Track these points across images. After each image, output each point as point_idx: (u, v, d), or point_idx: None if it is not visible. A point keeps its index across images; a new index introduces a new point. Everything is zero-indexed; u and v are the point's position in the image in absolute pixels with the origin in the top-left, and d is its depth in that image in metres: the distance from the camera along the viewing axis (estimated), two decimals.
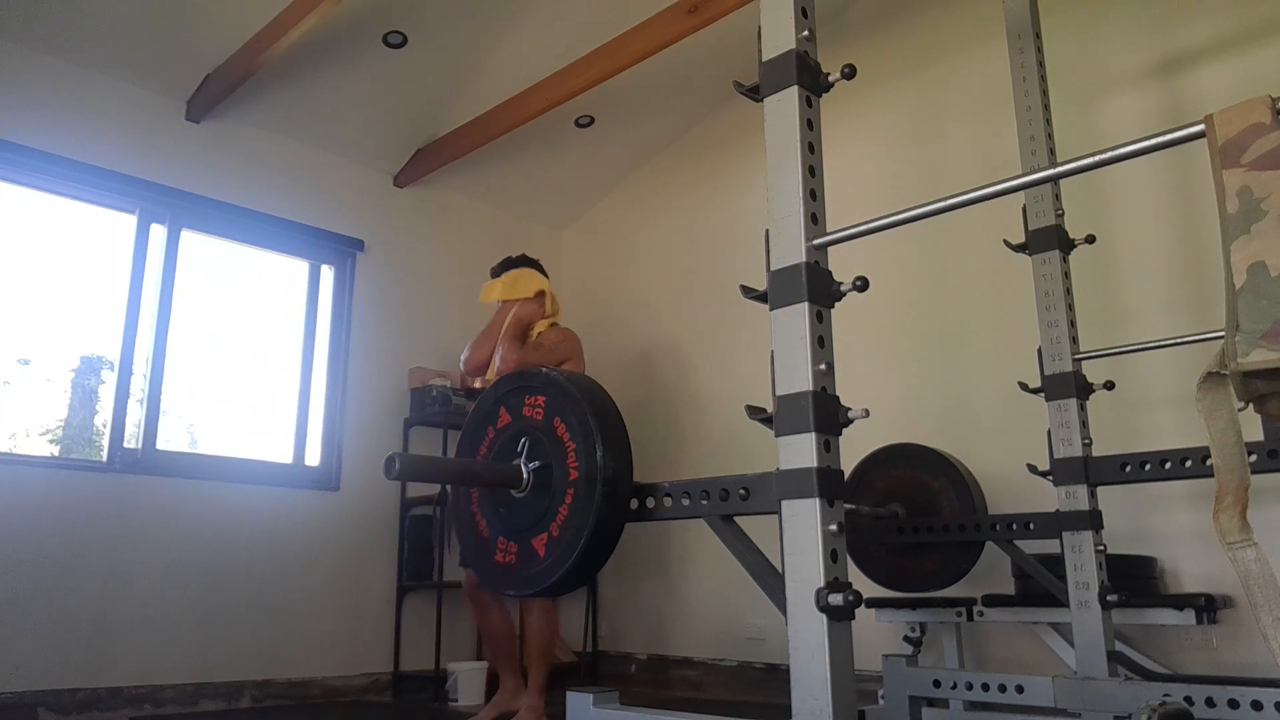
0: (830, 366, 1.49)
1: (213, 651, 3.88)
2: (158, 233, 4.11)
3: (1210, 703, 1.92)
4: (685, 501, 1.62)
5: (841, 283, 1.53)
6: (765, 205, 1.59)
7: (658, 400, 4.92)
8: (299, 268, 4.63)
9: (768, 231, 1.58)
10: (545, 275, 3.91)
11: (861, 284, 1.49)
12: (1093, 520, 2.37)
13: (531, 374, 1.79)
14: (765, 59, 1.63)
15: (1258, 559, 1.10)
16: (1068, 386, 2.46)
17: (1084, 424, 2.45)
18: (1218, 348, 1.13)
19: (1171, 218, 3.35)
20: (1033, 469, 2.53)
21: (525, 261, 3.90)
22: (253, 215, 4.37)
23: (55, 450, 3.87)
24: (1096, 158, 1.34)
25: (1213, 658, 2.99)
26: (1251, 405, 1.15)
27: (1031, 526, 2.66)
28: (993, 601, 3.16)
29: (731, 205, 4.82)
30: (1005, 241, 2.63)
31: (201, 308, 4.25)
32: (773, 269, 1.55)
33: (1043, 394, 2.51)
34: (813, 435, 1.43)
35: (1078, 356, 2.50)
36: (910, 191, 3.36)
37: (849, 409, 1.49)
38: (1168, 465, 2.34)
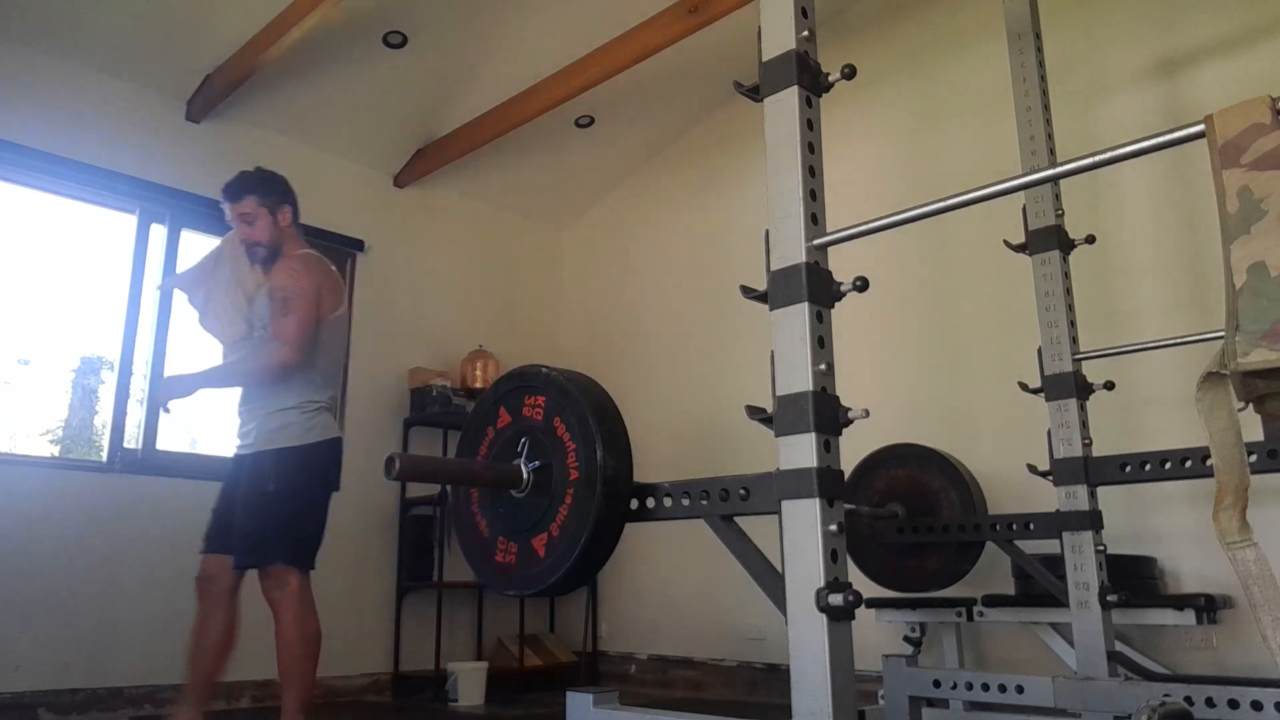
0: (830, 366, 1.49)
1: None
2: (158, 233, 4.11)
3: (1210, 703, 1.92)
4: (685, 501, 1.62)
5: (841, 283, 1.53)
6: (765, 205, 1.59)
7: (657, 400, 4.92)
8: None
9: (768, 231, 1.58)
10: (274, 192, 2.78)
11: (861, 284, 1.49)
12: (1093, 520, 2.37)
13: (532, 374, 1.79)
14: (765, 59, 1.63)
15: (1257, 559, 1.10)
16: (1068, 386, 2.46)
17: (1084, 424, 2.45)
18: (1218, 348, 1.13)
19: (1171, 218, 3.35)
20: (1033, 469, 2.53)
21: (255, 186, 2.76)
22: None
23: (55, 450, 3.87)
24: (1096, 158, 1.34)
25: (1213, 658, 2.99)
26: (1251, 405, 1.15)
27: (1031, 526, 2.66)
28: (993, 601, 3.16)
29: (731, 205, 4.82)
30: (1005, 241, 2.63)
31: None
32: (773, 269, 1.55)
33: (1043, 394, 2.51)
34: (813, 435, 1.43)
35: (1078, 356, 2.50)
36: (910, 191, 3.36)
37: (849, 409, 1.49)
38: (1168, 465, 2.34)
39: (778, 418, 1.49)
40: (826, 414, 1.46)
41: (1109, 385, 2.52)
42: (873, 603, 3.33)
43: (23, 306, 3.80)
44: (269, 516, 2.56)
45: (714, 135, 5.05)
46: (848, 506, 1.51)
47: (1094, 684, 2.15)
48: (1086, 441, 2.44)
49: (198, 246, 4.25)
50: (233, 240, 2.79)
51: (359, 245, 4.74)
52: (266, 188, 2.73)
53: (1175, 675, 2.83)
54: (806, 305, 1.49)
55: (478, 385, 4.72)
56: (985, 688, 2.27)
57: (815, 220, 1.55)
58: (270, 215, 2.71)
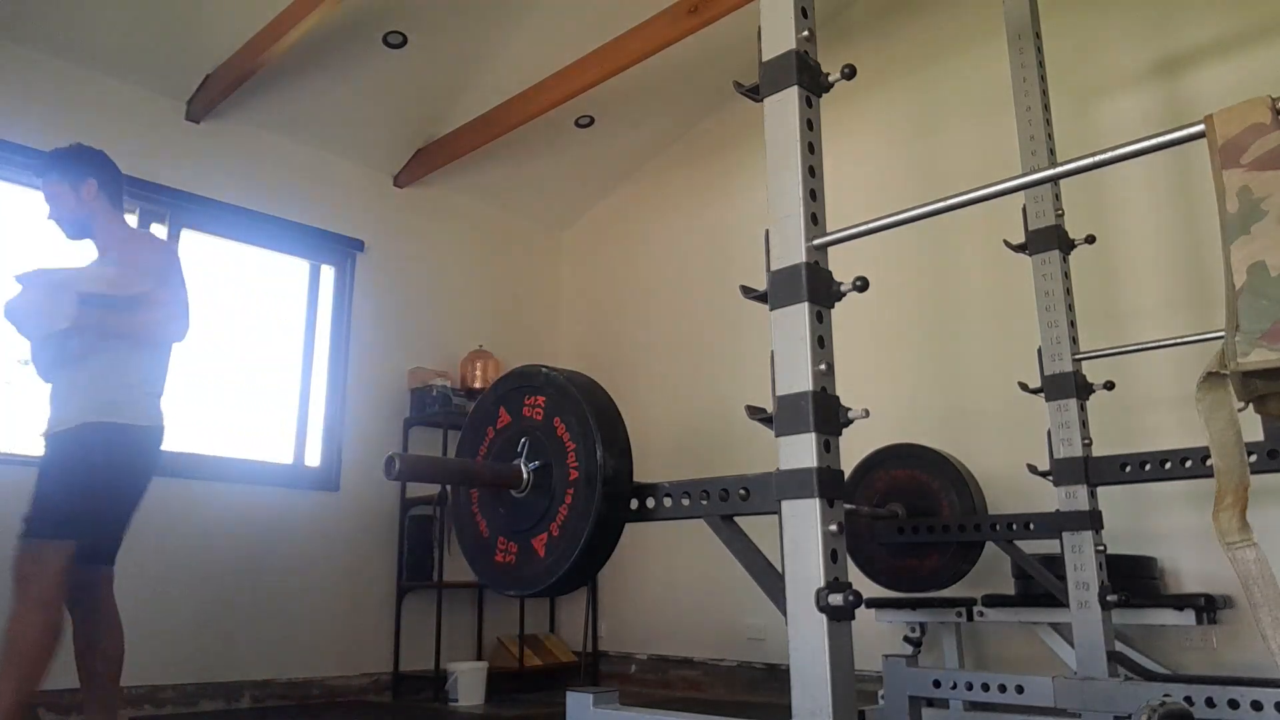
0: (830, 366, 1.49)
1: (212, 651, 3.88)
2: (158, 233, 4.10)
3: (1210, 703, 1.92)
4: (685, 501, 1.62)
5: (841, 283, 1.53)
6: (765, 205, 1.59)
7: (658, 400, 4.92)
8: (299, 268, 4.63)
9: (768, 231, 1.58)
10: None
11: (861, 284, 1.49)
12: (1093, 520, 2.37)
13: (532, 374, 1.79)
14: (765, 59, 1.63)
15: (1257, 559, 1.10)
16: (1068, 387, 2.46)
17: (1084, 424, 2.45)
18: (1218, 348, 1.13)
19: (1171, 218, 3.35)
20: (1033, 469, 2.53)
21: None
22: (253, 215, 4.37)
23: None
24: (1096, 158, 1.34)
25: (1213, 658, 2.99)
26: (1251, 405, 1.15)
27: (1031, 526, 2.66)
28: (993, 601, 3.16)
29: (731, 205, 4.82)
30: (1005, 241, 2.63)
31: (201, 307, 4.23)
32: (773, 269, 1.55)
33: (1043, 394, 2.51)
34: (813, 435, 1.43)
35: (1078, 356, 2.50)
36: (910, 191, 3.36)
37: (849, 409, 1.49)
38: (1168, 465, 2.34)
39: (778, 418, 1.49)
40: (826, 414, 1.46)
41: (1109, 385, 2.52)
42: (873, 603, 3.33)
43: None
44: (83, 490, 2.33)
45: (714, 135, 5.05)
46: (848, 506, 1.50)
47: (1094, 684, 2.15)
48: (1086, 441, 2.44)
49: (198, 246, 4.27)
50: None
51: (359, 245, 4.74)
52: (67, 163, 2.66)
53: (1175, 675, 2.83)
54: (806, 305, 1.49)
55: (478, 385, 4.72)
56: (985, 688, 2.27)
57: (815, 220, 1.55)
58: (73, 190, 2.64)
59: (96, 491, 2.39)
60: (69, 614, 2.44)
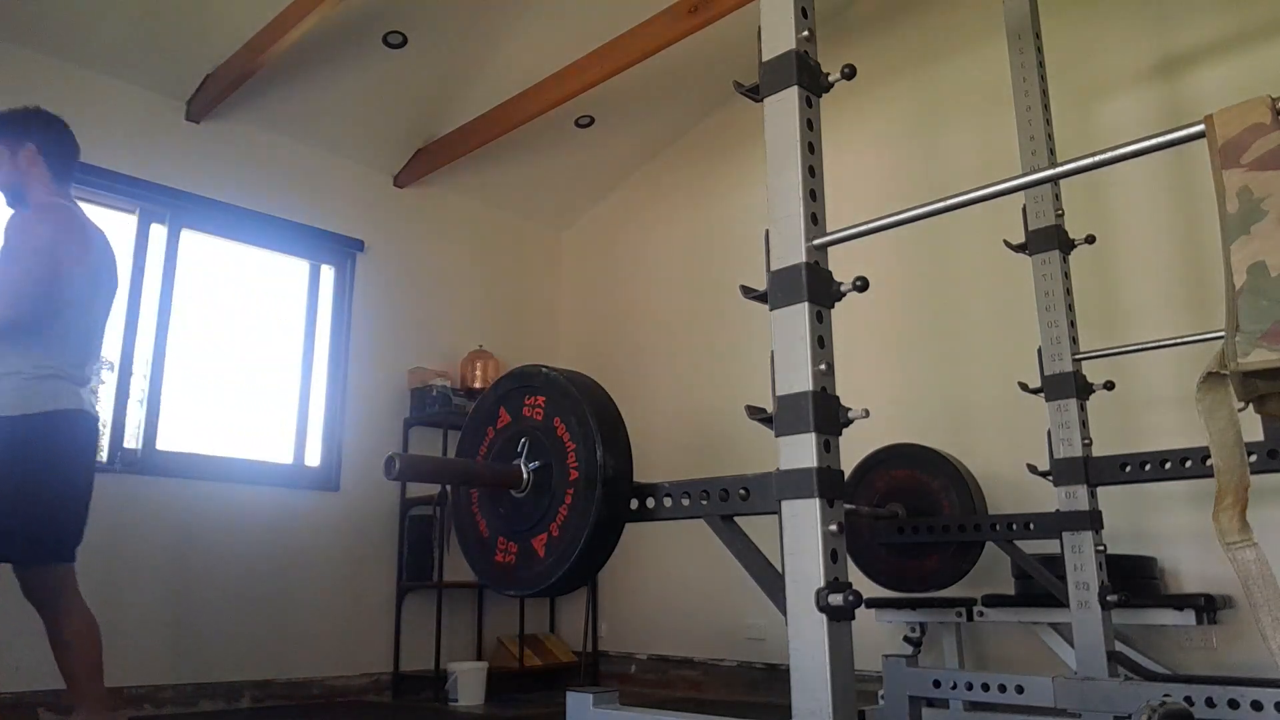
0: (830, 366, 1.49)
1: (213, 651, 3.87)
2: (158, 233, 4.11)
3: (1210, 703, 1.92)
4: (685, 501, 1.62)
5: (841, 283, 1.53)
6: (765, 205, 1.59)
7: (658, 400, 4.92)
8: (299, 268, 4.63)
9: (768, 232, 1.58)
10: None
11: (861, 284, 1.49)
12: (1093, 520, 2.37)
13: (532, 374, 1.79)
14: (765, 59, 1.63)
15: (1257, 559, 1.10)
16: (1068, 387, 2.46)
17: (1084, 424, 2.45)
18: (1218, 348, 1.13)
19: (1171, 218, 3.35)
20: (1033, 469, 2.53)
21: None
22: (253, 215, 4.37)
23: None
24: (1096, 158, 1.34)
25: (1213, 658, 2.99)
26: (1251, 405, 1.15)
27: (1031, 526, 2.66)
28: (993, 601, 3.16)
29: (731, 205, 4.82)
30: (1005, 241, 2.63)
31: (201, 308, 4.25)
32: (773, 269, 1.55)
33: (1043, 394, 2.51)
34: (813, 435, 1.43)
35: (1078, 356, 2.50)
36: (910, 191, 3.36)
37: (849, 409, 1.49)
38: (1168, 465, 2.34)
39: (778, 418, 1.49)
40: (826, 414, 1.46)
41: (1109, 385, 2.52)
42: (873, 603, 3.33)
43: None
44: None
45: (714, 135, 5.05)
46: (848, 506, 1.51)
47: (1094, 684, 2.15)
48: (1086, 441, 2.44)
49: (198, 246, 4.27)
50: None
51: (359, 245, 4.74)
52: (7, 126, 2.56)
53: (1175, 675, 2.83)
54: (806, 305, 1.49)
55: (478, 385, 4.72)
56: (985, 688, 2.27)
57: (815, 220, 1.55)
58: (10, 154, 2.53)
59: None
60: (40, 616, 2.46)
